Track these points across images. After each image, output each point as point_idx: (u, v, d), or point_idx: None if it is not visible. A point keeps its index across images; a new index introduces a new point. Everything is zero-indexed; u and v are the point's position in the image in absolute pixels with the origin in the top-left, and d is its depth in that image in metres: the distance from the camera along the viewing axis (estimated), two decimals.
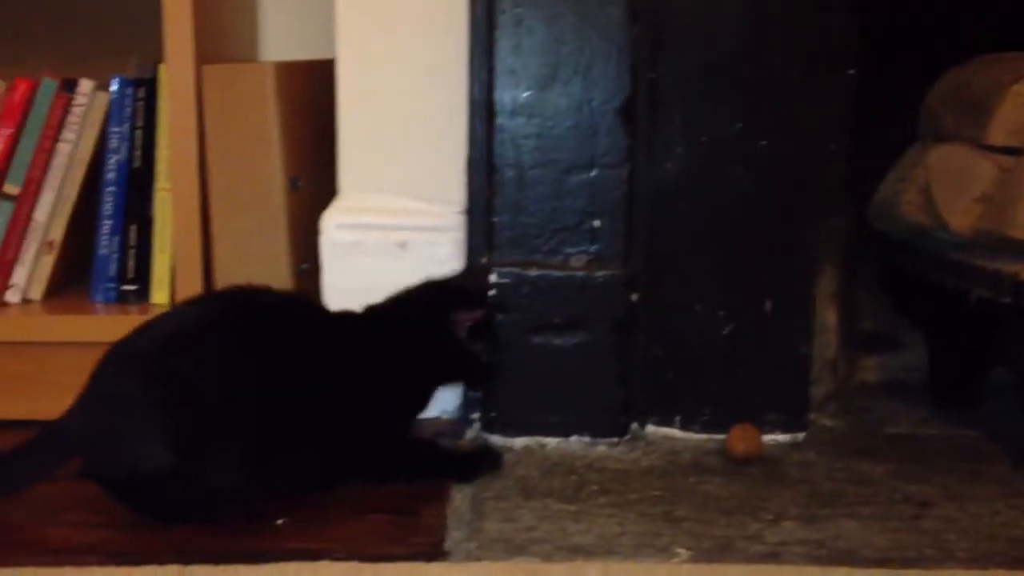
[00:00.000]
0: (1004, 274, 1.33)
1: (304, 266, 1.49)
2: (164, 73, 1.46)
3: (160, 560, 1.05)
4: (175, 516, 1.15)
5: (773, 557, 1.10)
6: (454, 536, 1.13)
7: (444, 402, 1.45)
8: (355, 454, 1.24)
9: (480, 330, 1.32)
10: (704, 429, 1.42)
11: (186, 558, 1.06)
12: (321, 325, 1.27)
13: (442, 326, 1.30)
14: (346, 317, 1.32)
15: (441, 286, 1.35)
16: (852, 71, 1.46)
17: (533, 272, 1.39)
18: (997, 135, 1.40)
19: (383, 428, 1.26)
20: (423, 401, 1.33)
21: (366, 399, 1.25)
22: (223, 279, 1.45)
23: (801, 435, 1.42)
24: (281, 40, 1.74)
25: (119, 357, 1.17)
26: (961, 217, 1.42)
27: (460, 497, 1.22)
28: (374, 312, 1.32)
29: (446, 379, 1.36)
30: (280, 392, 1.18)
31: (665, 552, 1.11)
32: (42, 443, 1.15)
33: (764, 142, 1.39)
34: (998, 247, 1.37)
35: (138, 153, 1.49)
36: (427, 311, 1.31)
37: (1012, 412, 1.38)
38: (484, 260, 1.40)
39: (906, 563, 1.10)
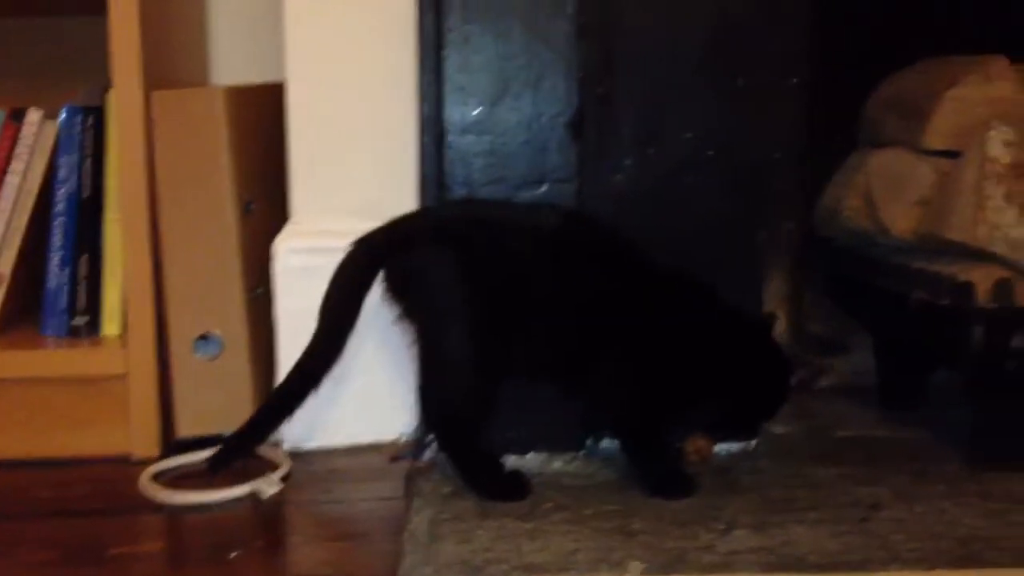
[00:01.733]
0: (943, 276, 1.36)
1: (259, 290, 1.49)
2: (112, 100, 1.46)
3: None
4: None
5: (724, 567, 1.12)
6: (410, 560, 1.13)
7: (402, 424, 1.46)
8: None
9: None
10: None
11: None
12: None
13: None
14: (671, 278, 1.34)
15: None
16: (796, 79, 1.48)
17: None
18: (934, 140, 1.43)
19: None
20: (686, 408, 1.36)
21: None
22: (174, 308, 1.45)
23: (753, 442, 1.44)
24: (232, 64, 1.74)
25: None
26: (901, 221, 1.44)
27: (418, 520, 1.22)
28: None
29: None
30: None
31: (619, 567, 1.12)
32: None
33: (711, 152, 1.41)
34: (937, 250, 1.40)
35: (88, 182, 1.49)
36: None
37: (959, 412, 1.41)
38: None
39: (853, 567, 1.12)
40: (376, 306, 1.42)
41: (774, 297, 1.51)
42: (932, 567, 1.11)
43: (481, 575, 1.11)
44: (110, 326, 1.48)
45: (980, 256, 1.34)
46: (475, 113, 1.41)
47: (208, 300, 1.45)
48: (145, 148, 1.43)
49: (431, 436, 1.36)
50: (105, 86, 1.47)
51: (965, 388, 1.40)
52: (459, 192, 1.42)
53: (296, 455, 1.43)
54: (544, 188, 1.42)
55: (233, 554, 1.17)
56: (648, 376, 1.31)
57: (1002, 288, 1.31)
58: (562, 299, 1.29)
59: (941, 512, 1.25)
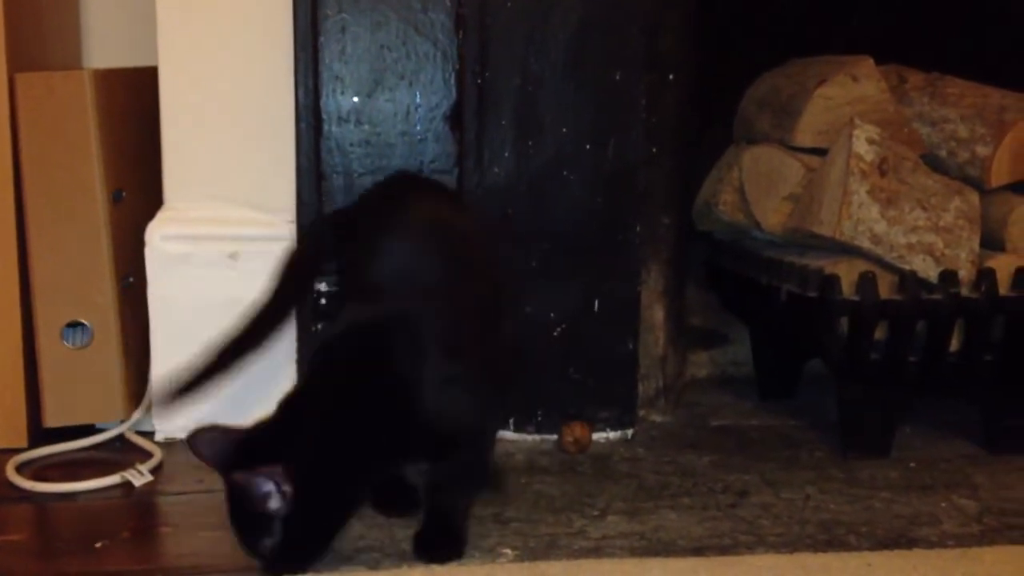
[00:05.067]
0: (811, 269, 1.40)
1: (130, 280, 1.46)
2: None
3: None
4: None
5: (595, 552, 1.14)
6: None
7: None
8: None
9: None
10: (538, 430, 1.44)
11: None
12: None
13: None
14: None
15: None
16: (673, 75, 1.51)
17: None
18: (804, 137, 1.47)
19: None
20: None
21: None
22: (42, 294, 1.41)
23: (631, 431, 1.46)
24: (107, 47, 1.70)
25: None
26: (772, 216, 1.48)
27: None
28: None
29: None
30: None
31: (491, 553, 1.13)
32: None
33: (589, 145, 1.43)
34: (806, 244, 1.44)
35: None
36: None
37: (830, 401, 1.45)
38: None
39: (720, 550, 1.14)
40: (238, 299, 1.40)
41: (652, 290, 1.53)
42: (795, 550, 1.15)
43: (353, 563, 1.10)
44: None
45: (846, 250, 1.39)
46: (352, 102, 1.40)
47: (77, 288, 1.41)
48: (10, 131, 1.39)
49: None
50: None
51: (833, 377, 1.44)
52: (337, 182, 1.41)
53: (168, 445, 1.41)
54: None
55: (99, 543, 1.14)
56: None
57: (866, 281, 1.36)
58: None
59: (807, 498, 1.28)
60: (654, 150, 1.49)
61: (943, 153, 1.48)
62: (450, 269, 1.15)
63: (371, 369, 1.09)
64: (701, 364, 1.73)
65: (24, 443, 1.39)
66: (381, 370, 1.08)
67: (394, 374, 1.08)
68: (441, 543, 1.12)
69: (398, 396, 1.08)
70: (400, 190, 1.29)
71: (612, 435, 1.46)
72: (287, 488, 1.02)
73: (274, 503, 1.03)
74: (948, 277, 1.37)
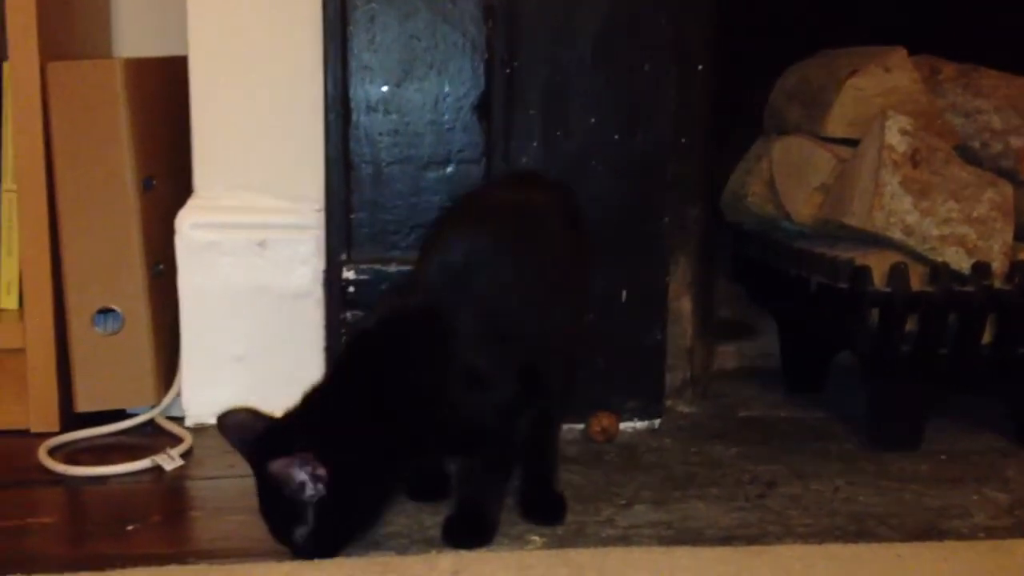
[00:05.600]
0: (841, 261, 1.39)
1: (160, 267, 1.47)
2: (8, 70, 1.42)
3: (2, 570, 1.03)
4: None
5: (623, 540, 1.13)
6: None
7: None
8: None
9: None
10: (566, 420, 1.44)
11: (29, 567, 1.04)
12: None
13: None
14: None
15: None
16: (701, 66, 1.50)
17: (392, 268, 1.40)
18: (836, 127, 1.46)
19: None
20: None
21: None
22: (73, 282, 1.42)
23: (657, 421, 1.46)
24: (137, 37, 1.71)
25: None
26: (802, 207, 1.47)
27: None
28: None
29: None
30: None
31: (519, 540, 1.13)
32: None
33: (617, 136, 1.43)
34: (837, 235, 1.43)
35: None
36: None
37: (859, 394, 1.44)
38: (343, 257, 1.41)
39: (749, 540, 1.14)
40: (266, 287, 1.40)
41: (680, 281, 1.52)
42: (824, 541, 1.14)
43: (381, 548, 1.10)
44: (7, 300, 1.45)
45: (877, 241, 1.38)
46: (381, 92, 1.40)
47: (108, 275, 1.42)
48: (42, 120, 1.40)
49: None
50: (0, 56, 1.43)
51: (862, 370, 1.43)
52: (366, 171, 1.41)
53: (198, 430, 1.42)
54: (451, 168, 1.42)
55: (131, 526, 1.15)
56: None
57: (897, 272, 1.35)
58: None
59: (836, 490, 1.28)
60: (683, 140, 1.48)
61: (976, 144, 1.46)
62: (506, 262, 1.14)
63: (401, 362, 1.08)
64: (728, 356, 1.72)
65: (56, 427, 1.41)
66: (410, 364, 1.08)
67: (422, 367, 1.08)
68: (469, 529, 1.12)
69: (425, 390, 1.08)
70: (498, 186, 1.31)
71: (639, 425, 1.45)
72: (321, 473, 1.03)
73: (309, 490, 1.03)
74: (981, 269, 1.36)
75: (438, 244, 1.17)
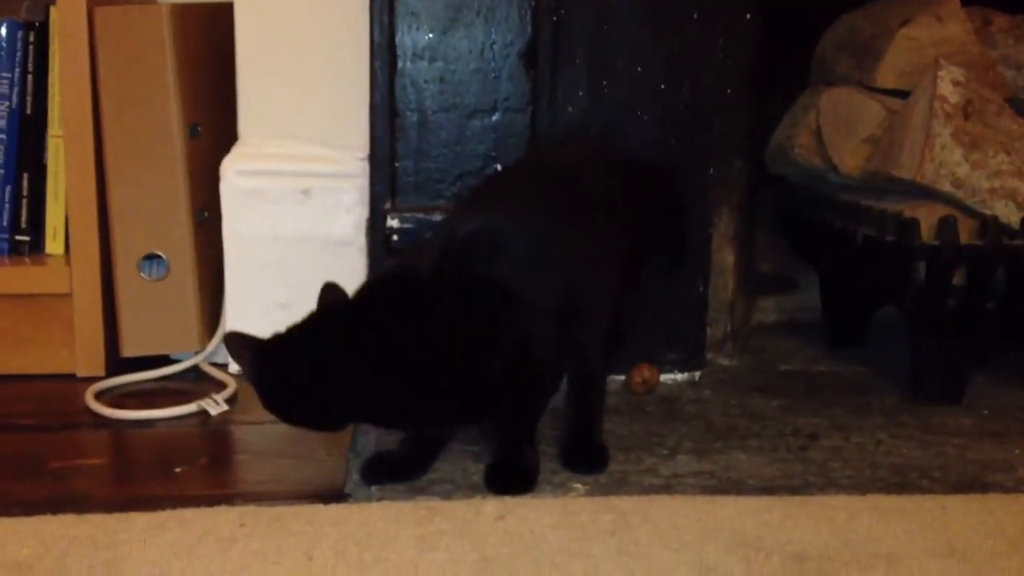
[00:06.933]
0: (889, 213, 1.37)
1: (205, 214, 1.48)
2: (56, 16, 1.42)
3: (54, 509, 1.05)
4: None
5: (666, 488, 1.14)
6: (355, 478, 1.14)
7: None
8: None
9: None
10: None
11: (80, 506, 1.06)
12: None
13: None
14: None
15: None
16: (749, 15, 1.48)
17: (436, 217, 1.40)
18: (886, 78, 1.44)
19: None
20: None
21: None
22: (120, 228, 1.43)
23: (698, 374, 1.46)
24: None
25: None
26: (850, 158, 1.45)
27: (364, 441, 1.23)
28: None
29: None
30: None
31: (562, 488, 1.14)
32: None
33: (664, 86, 1.41)
34: (884, 187, 1.42)
35: (30, 99, 1.46)
36: None
37: (901, 348, 1.44)
38: (387, 206, 1.41)
39: (791, 490, 1.14)
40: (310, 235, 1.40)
41: (723, 234, 1.51)
42: (867, 492, 1.14)
43: (425, 493, 1.12)
44: (53, 245, 1.46)
45: (926, 194, 1.36)
46: (427, 39, 1.39)
47: (154, 221, 1.44)
48: (89, 66, 1.41)
49: None
50: (49, 1, 1.43)
51: (907, 324, 1.42)
52: (411, 119, 1.41)
53: (242, 376, 1.43)
54: (496, 116, 1.41)
55: (179, 468, 1.17)
56: None
57: (946, 225, 1.33)
58: None
59: (878, 442, 1.28)
60: (728, 91, 1.47)
61: None
62: (547, 224, 1.13)
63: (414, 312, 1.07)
64: (768, 310, 1.72)
65: (102, 372, 1.43)
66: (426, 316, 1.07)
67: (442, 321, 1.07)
68: (512, 475, 1.13)
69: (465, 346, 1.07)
70: (545, 151, 1.31)
71: (680, 377, 1.45)
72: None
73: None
74: None
75: (475, 195, 1.17)
